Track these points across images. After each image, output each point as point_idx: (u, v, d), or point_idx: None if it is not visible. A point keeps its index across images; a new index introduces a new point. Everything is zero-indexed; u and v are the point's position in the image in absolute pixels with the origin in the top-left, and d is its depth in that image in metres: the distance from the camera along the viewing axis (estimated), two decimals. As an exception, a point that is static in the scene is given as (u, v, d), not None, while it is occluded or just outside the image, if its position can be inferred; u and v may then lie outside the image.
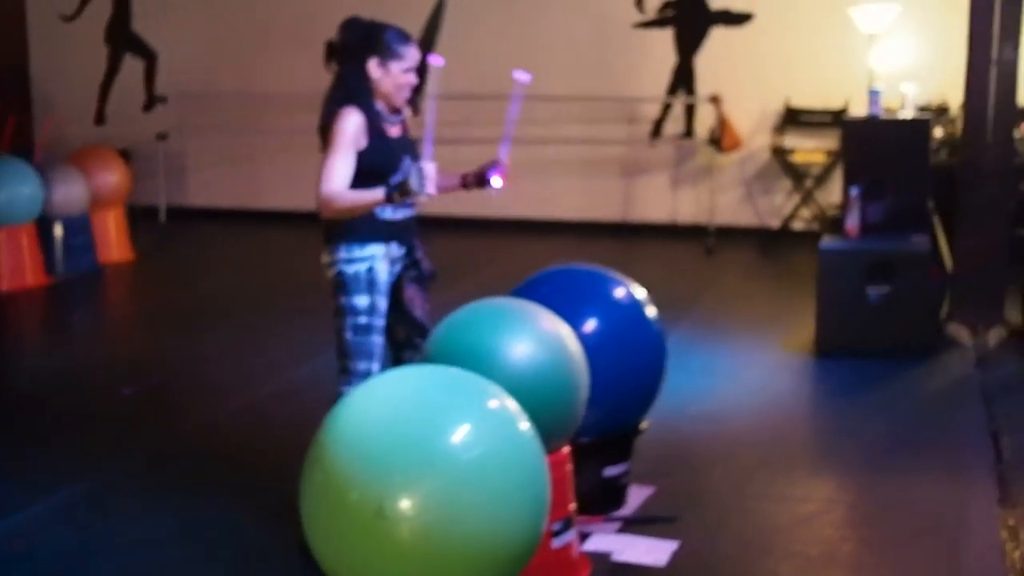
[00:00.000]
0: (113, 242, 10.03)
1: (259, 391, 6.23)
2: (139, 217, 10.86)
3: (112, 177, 9.98)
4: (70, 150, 10.37)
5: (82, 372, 6.87)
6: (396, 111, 4.14)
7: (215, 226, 11.76)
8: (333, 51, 4.19)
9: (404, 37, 4.12)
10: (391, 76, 4.07)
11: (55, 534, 4.47)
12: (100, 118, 12.47)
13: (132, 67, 12.36)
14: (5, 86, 12.26)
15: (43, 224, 9.16)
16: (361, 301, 4.08)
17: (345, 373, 4.10)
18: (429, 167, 3.83)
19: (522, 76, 4.13)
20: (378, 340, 4.12)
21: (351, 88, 4.05)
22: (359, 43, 4.08)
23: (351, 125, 3.97)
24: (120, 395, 6.19)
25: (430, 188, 3.82)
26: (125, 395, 6.18)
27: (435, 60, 4.09)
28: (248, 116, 11.85)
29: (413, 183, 3.82)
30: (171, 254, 10.71)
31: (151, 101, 12.19)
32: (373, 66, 4.05)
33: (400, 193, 3.87)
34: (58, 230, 9.34)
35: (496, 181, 4.12)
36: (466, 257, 9.86)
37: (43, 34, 12.54)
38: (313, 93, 4.13)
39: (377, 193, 3.93)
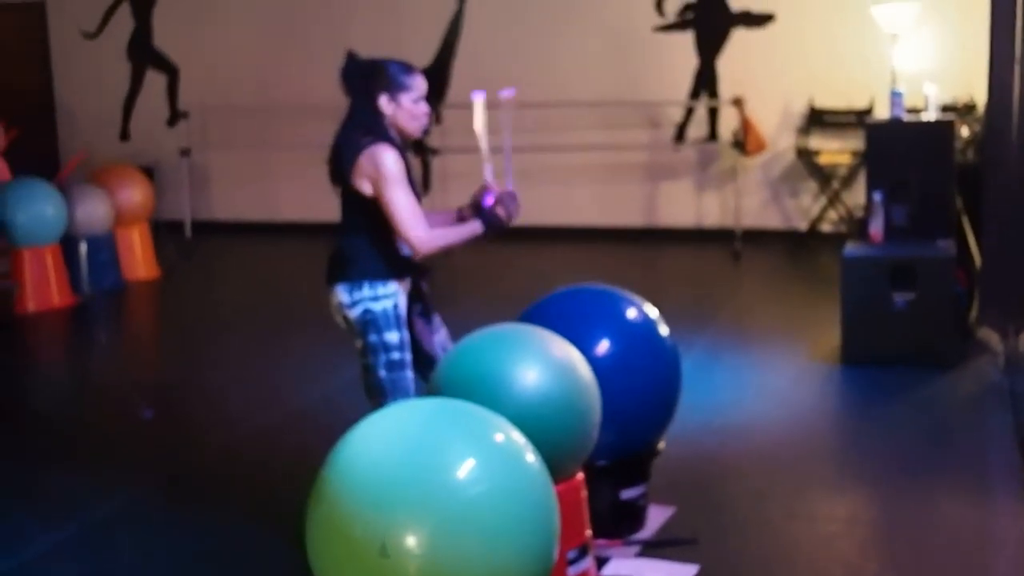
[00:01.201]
0: (138, 259, 10.05)
1: (280, 410, 6.22)
2: (164, 232, 10.87)
3: (135, 194, 10.00)
4: (93, 168, 10.41)
5: (105, 393, 6.89)
6: (408, 143, 4.12)
7: (240, 240, 11.78)
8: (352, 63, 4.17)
9: (407, 68, 4.10)
10: (403, 109, 4.04)
11: (71, 562, 4.46)
12: (124, 134, 12.52)
13: (154, 83, 12.39)
14: (29, 105, 12.33)
15: (67, 243, 9.18)
16: (393, 337, 4.04)
17: None
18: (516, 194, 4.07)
19: (506, 93, 4.17)
20: (411, 375, 4.09)
21: (370, 127, 4.02)
22: (363, 81, 4.05)
23: (394, 162, 3.96)
24: (140, 418, 6.18)
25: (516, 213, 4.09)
26: (146, 418, 6.18)
27: (506, 93, 4.26)
28: (270, 129, 11.86)
29: (512, 209, 4.05)
30: (196, 269, 10.73)
31: (174, 116, 12.22)
32: (384, 102, 4.03)
33: (497, 222, 4.05)
34: (83, 248, 9.36)
35: (490, 200, 4.10)
36: (489, 266, 9.83)
37: (65, 52, 12.60)
38: (334, 105, 4.13)
39: (475, 226, 4.07)
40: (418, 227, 3.95)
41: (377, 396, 4.06)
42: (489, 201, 4.10)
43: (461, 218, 4.22)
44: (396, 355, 4.05)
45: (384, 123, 4.04)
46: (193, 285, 10.19)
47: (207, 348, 7.88)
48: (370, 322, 4.03)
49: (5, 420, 6.39)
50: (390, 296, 4.04)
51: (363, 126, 4.03)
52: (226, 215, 12.19)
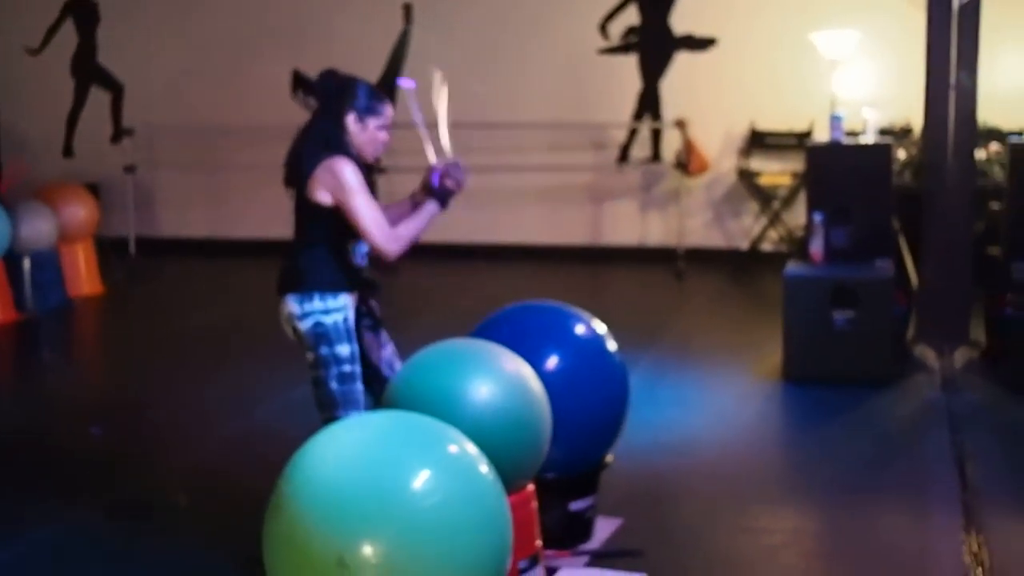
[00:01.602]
0: (83, 276, 10.00)
1: (231, 428, 6.22)
2: (109, 249, 10.82)
3: (80, 211, 9.95)
4: (37, 184, 10.34)
5: (51, 411, 6.85)
6: (364, 165, 4.18)
7: (185, 257, 11.75)
8: (299, 81, 4.24)
9: (380, 95, 4.18)
10: (367, 132, 4.12)
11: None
12: (68, 151, 12.45)
13: (98, 100, 12.35)
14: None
15: (11, 259, 9.12)
16: (344, 350, 4.08)
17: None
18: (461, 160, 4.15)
19: (406, 83, 4.33)
20: (360, 387, 4.13)
21: (331, 140, 4.09)
22: (337, 97, 4.12)
23: (352, 171, 4.03)
24: (89, 435, 6.17)
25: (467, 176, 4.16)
26: (94, 435, 6.16)
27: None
28: (216, 147, 11.86)
29: (459, 176, 4.11)
30: (141, 286, 10.70)
31: (118, 133, 12.17)
32: (351, 121, 4.11)
33: (448, 193, 4.13)
34: (26, 265, 9.30)
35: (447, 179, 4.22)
36: (436, 286, 9.90)
37: (8, 67, 12.49)
38: (280, 125, 4.19)
39: (431, 207, 4.15)
40: (382, 232, 4.02)
41: (328, 409, 4.10)
42: (436, 180, 4.18)
43: (415, 204, 4.26)
44: (347, 368, 4.09)
45: (346, 139, 4.11)
46: (139, 302, 10.15)
47: (155, 365, 7.86)
48: (321, 335, 4.08)
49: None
50: (340, 309, 4.09)
51: (324, 139, 4.10)
52: (171, 232, 12.16)
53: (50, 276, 9.50)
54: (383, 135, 4.16)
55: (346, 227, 4.06)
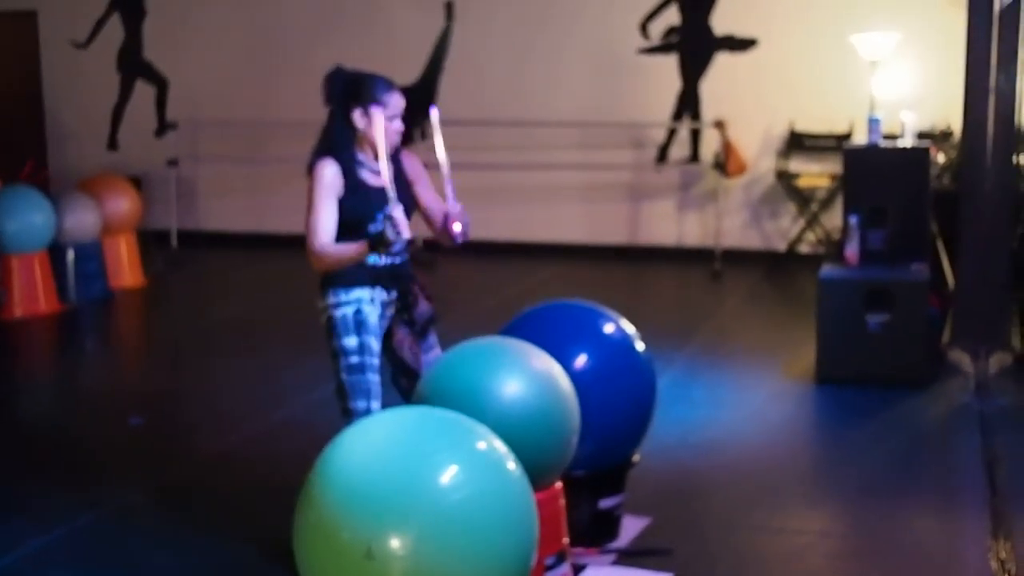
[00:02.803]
0: (125, 268, 10.15)
1: (268, 420, 6.31)
2: (151, 242, 10.97)
3: (123, 204, 10.10)
4: (82, 177, 10.49)
5: (92, 400, 6.97)
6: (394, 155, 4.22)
7: (226, 250, 11.88)
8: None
9: (387, 85, 4.17)
10: (375, 125, 4.12)
11: (58, 567, 4.53)
12: (112, 144, 12.61)
13: (144, 94, 12.50)
14: (19, 113, 12.42)
15: (55, 251, 9.27)
16: (350, 342, 4.16)
17: (346, 415, 4.17)
18: (397, 212, 3.92)
19: (434, 113, 4.18)
20: (373, 378, 4.19)
21: (333, 138, 4.15)
22: (343, 93, 4.16)
23: (326, 176, 4.08)
24: (127, 425, 6.27)
25: (405, 233, 3.92)
26: (134, 425, 6.26)
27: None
28: (259, 142, 11.97)
29: (388, 234, 3.92)
30: (182, 279, 10.82)
31: (162, 127, 12.33)
32: (357, 116, 4.13)
33: (380, 244, 3.97)
34: (70, 257, 9.45)
35: (456, 227, 4.11)
36: (472, 282, 9.95)
37: (55, 61, 12.69)
38: (323, 119, 4.24)
39: (360, 246, 4.05)
40: (315, 240, 4.05)
41: (341, 399, 4.21)
42: (459, 237, 4.10)
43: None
44: (354, 359, 4.17)
45: (352, 137, 4.15)
46: (180, 294, 10.28)
47: (194, 357, 7.97)
48: (331, 328, 4.19)
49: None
50: (352, 303, 4.17)
51: (328, 139, 4.17)
52: (212, 225, 12.29)
53: (93, 268, 9.64)
54: (394, 125, 4.15)
55: (351, 224, 4.10)
